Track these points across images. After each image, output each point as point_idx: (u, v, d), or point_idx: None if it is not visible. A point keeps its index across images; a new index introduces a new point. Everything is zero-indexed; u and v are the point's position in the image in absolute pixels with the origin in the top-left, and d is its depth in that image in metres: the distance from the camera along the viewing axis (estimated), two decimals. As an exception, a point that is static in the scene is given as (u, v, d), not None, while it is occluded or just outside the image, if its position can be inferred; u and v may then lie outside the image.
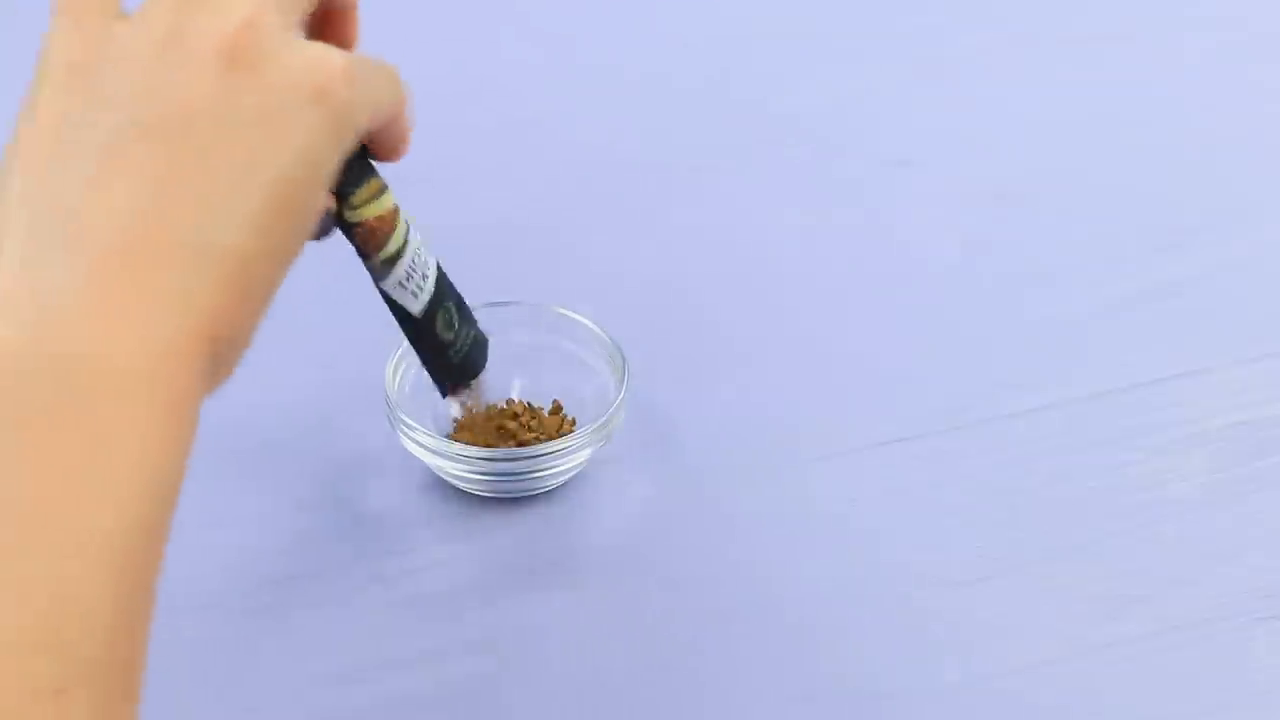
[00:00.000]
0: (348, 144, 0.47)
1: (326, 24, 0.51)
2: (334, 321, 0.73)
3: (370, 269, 0.54)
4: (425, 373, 0.70)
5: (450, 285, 0.57)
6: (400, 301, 0.55)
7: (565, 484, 0.69)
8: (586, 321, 0.71)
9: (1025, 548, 0.68)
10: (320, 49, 0.46)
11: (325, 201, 0.48)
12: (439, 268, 0.56)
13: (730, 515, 0.69)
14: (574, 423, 0.70)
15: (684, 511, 0.69)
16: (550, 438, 0.69)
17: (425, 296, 0.55)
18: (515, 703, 0.62)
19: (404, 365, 0.69)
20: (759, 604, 0.65)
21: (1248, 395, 0.74)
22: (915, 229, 0.83)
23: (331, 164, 0.46)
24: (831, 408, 0.73)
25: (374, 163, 0.51)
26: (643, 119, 0.90)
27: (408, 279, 0.54)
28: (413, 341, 0.57)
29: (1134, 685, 0.63)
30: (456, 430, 0.70)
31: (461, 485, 0.68)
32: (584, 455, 0.68)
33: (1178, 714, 0.62)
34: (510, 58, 0.92)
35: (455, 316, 0.57)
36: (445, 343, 0.57)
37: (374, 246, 0.52)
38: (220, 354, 0.44)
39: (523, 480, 0.67)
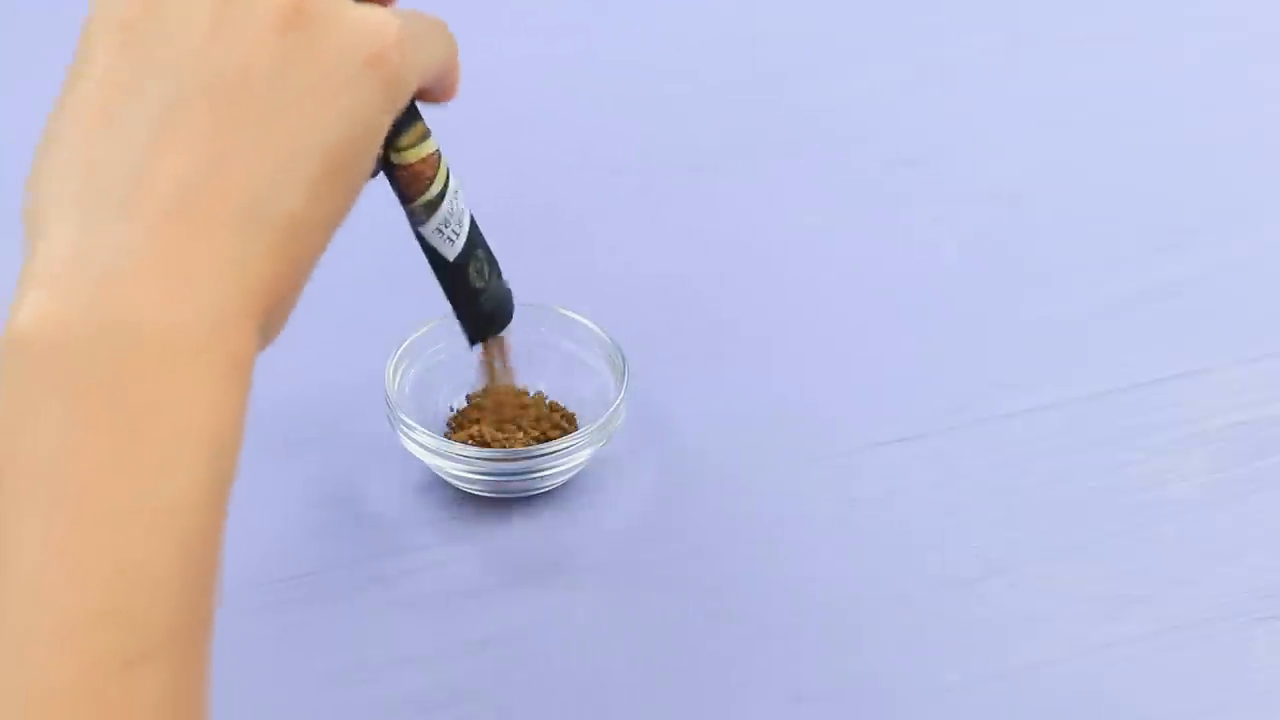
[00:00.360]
0: (400, 106, 0.46)
1: None
2: (333, 321, 0.73)
3: (410, 213, 0.53)
4: (424, 373, 0.70)
5: (480, 233, 0.56)
6: (438, 247, 0.54)
7: (565, 484, 0.69)
8: (586, 321, 0.71)
9: (1025, 548, 0.68)
10: (375, 12, 0.45)
11: (375, 163, 0.47)
12: (471, 215, 0.55)
13: (730, 515, 0.69)
14: (574, 421, 0.71)
15: (684, 511, 0.69)
16: (550, 438, 0.69)
17: (460, 243, 0.55)
18: (515, 703, 0.62)
19: (404, 365, 0.69)
20: (758, 604, 0.65)
21: (1248, 395, 0.74)
22: (915, 229, 0.83)
23: (384, 128, 0.46)
24: (830, 407, 0.73)
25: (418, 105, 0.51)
26: (644, 118, 0.90)
27: (445, 224, 0.54)
28: (445, 289, 0.57)
29: (1134, 685, 0.63)
30: (455, 431, 0.70)
31: (461, 485, 0.68)
32: (584, 455, 0.68)
33: (1178, 714, 0.62)
34: (512, 54, 0.92)
35: (486, 265, 0.57)
36: (477, 290, 0.57)
37: (417, 190, 0.52)
38: (270, 320, 0.44)
39: (523, 480, 0.67)
